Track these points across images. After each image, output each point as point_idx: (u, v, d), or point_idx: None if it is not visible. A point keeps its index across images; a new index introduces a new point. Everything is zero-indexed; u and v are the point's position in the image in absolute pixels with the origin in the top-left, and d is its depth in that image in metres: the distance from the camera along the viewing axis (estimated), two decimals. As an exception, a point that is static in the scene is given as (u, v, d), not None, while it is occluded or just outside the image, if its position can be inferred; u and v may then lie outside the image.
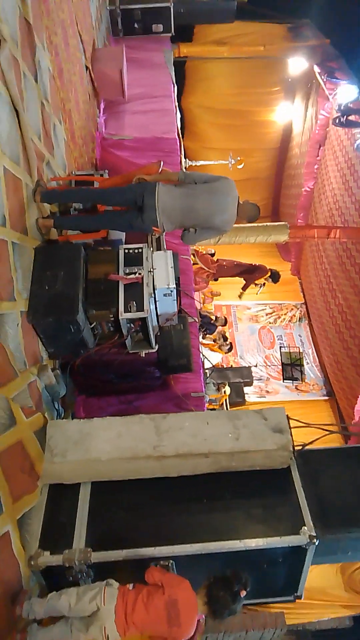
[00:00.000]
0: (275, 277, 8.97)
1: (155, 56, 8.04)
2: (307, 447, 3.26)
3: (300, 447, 3.21)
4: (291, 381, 9.86)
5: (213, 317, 9.77)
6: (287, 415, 3.29)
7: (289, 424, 3.24)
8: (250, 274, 9.02)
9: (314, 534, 2.81)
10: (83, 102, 5.60)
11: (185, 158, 9.13)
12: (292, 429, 3.24)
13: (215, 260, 8.97)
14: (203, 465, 3.01)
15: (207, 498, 2.97)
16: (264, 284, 9.15)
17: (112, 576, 2.57)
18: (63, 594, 2.50)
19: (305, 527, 2.84)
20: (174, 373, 4.60)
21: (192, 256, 7.56)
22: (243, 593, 2.31)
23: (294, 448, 3.15)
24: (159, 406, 4.56)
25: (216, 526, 2.87)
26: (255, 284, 9.12)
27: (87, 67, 5.92)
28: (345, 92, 8.08)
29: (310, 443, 3.27)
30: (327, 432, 3.41)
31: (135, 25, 7.96)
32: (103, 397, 4.47)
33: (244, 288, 9.08)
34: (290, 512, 2.94)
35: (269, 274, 8.94)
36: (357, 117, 7.73)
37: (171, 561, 2.71)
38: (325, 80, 8.57)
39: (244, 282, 9.25)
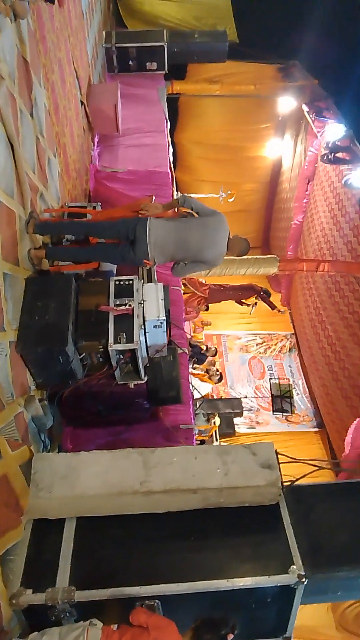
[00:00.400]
0: (266, 294, 9.12)
1: (149, 92, 8.28)
2: (296, 483, 3.22)
3: (289, 483, 3.17)
4: (281, 413, 9.84)
5: (203, 347, 9.78)
6: (276, 451, 3.26)
7: (278, 459, 3.21)
8: (242, 293, 9.14)
9: (303, 573, 2.73)
10: (78, 136, 5.72)
11: (177, 191, 9.29)
12: (282, 464, 3.20)
13: (206, 285, 9.06)
14: (191, 502, 2.95)
15: (195, 535, 2.90)
16: (256, 303, 9.25)
17: (96, 615, 2.48)
18: (45, 634, 2.40)
19: (294, 566, 2.76)
20: (164, 405, 4.58)
21: (182, 286, 7.62)
22: (230, 637, 2.25)
23: (282, 484, 3.11)
24: (147, 438, 4.51)
25: (204, 564, 2.78)
26: (247, 304, 9.21)
27: (82, 103, 6.07)
28: (332, 130, 8.38)
29: (300, 478, 3.23)
30: (316, 468, 3.38)
31: (130, 63, 8.19)
32: (91, 429, 4.41)
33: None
34: (279, 550, 2.86)
35: (261, 291, 9.08)
36: (345, 154, 7.98)
37: (157, 601, 2.63)
38: (313, 118, 8.88)
39: (237, 304, 9.34)
